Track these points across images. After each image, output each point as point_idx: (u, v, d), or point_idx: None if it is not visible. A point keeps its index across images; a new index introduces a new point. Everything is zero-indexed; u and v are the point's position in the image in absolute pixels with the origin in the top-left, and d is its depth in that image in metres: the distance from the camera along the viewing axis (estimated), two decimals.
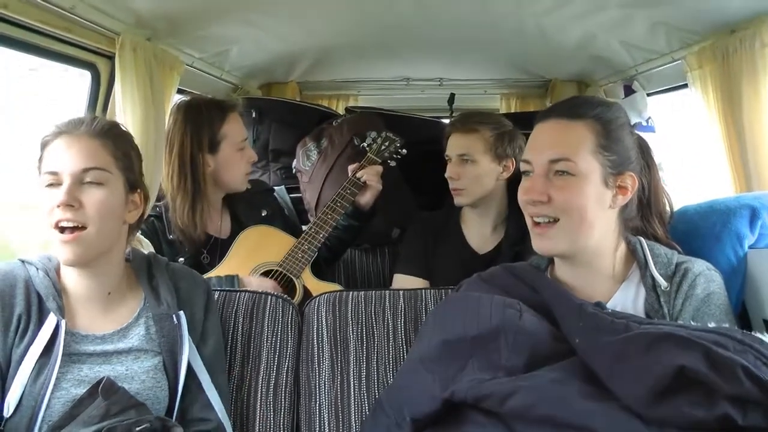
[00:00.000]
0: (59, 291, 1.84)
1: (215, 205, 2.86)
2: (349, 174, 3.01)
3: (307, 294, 2.68)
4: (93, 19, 2.69)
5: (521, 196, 1.89)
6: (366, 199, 2.99)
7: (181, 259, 2.68)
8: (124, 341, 1.87)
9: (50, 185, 1.77)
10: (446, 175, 2.91)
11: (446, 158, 2.95)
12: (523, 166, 1.92)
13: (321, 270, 2.95)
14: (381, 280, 3.49)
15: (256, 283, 2.63)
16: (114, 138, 1.88)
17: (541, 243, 1.86)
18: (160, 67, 3.14)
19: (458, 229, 3.03)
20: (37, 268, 1.85)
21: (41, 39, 2.60)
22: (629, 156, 1.86)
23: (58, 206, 1.74)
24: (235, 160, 2.80)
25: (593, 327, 1.61)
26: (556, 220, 1.82)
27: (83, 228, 1.77)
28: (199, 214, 2.71)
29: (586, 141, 1.81)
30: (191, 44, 3.60)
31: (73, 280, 1.88)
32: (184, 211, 2.71)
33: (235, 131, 2.80)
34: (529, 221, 1.89)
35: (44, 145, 1.82)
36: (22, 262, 1.88)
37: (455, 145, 2.91)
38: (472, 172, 2.86)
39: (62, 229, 1.75)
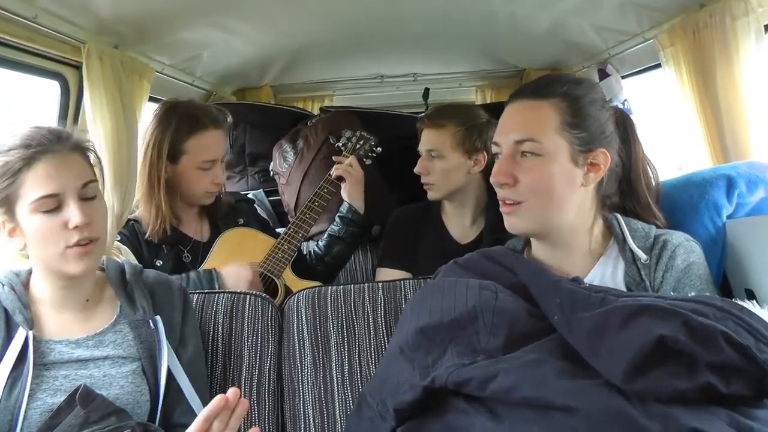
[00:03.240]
0: (26, 304, 1.82)
1: (186, 210, 2.83)
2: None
3: (288, 293, 2.66)
4: (56, 27, 2.66)
5: (491, 179, 1.89)
6: (349, 191, 3.01)
7: (160, 262, 2.67)
8: (100, 348, 1.84)
9: (48, 211, 1.73)
10: (415, 170, 2.91)
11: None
12: (493, 149, 1.93)
13: (302, 269, 2.94)
14: (365, 278, 3.49)
15: (234, 271, 2.60)
16: (87, 149, 1.87)
17: (510, 221, 1.88)
18: (128, 76, 3.11)
19: (439, 221, 3.03)
20: (3, 285, 1.83)
21: (5, 50, 2.57)
22: (602, 132, 1.85)
23: (75, 228, 1.73)
24: (193, 177, 2.73)
25: (570, 303, 1.59)
26: (520, 202, 1.82)
27: (97, 239, 1.79)
28: (156, 211, 2.68)
29: (550, 120, 1.81)
30: (160, 50, 3.57)
31: (50, 289, 1.86)
32: (143, 208, 2.72)
33: (199, 150, 2.71)
34: (500, 203, 1.89)
35: (24, 167, 1.72)
36: None
37: (425, 141, 2.92)
38: (441, 167, 2.87)
39: (77, 245, 1.75)
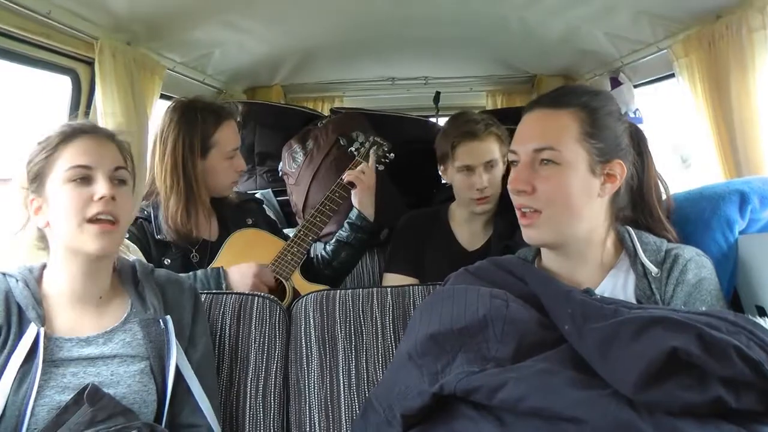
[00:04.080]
0: (39, 300, 1.82)
1: (205, 208, 2.83)
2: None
3: (296, 296, 2.66)
4: (70, 23, 2.68)
5: (508, 186, 1.88)
6: (360, 198, 2.99)
7: (168, 260, 2.66)
8: (109, 346, 1.84)
9: (79, 179, 1.78)
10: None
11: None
12: (510, 156, 1.93)
13: (311, 272, 2.93)
14: (372, 282, 3.48)
15: (241, 270, 2.60)
16: (123, 143, 1.94)
17: (528, 233, 1.86)
18: (141, 72, 3.12)
19: (447, 227, 3.03)
20: (17, 280, 1.84)
21: (19, 45, 2.59)
22: (618, 144, 1.85)
23: (99, 199, 1.77)
24: (222, 168, 2.76)
25: (582, 313, 1.58)
26: (539, 211, 1.81)
27: (117, 222, 1.81)
28: (194, 215, 2.69)
29: (570, 129, 1.80)
30: (172, 48, 3.58)
31: (66, 280, 1.86)
32: (178, 212, 2.67)
33: (227, 139, 2.76)
34: (517, 211, 1.88)
35: (61, 142, 1.81)
36: (3, 274, 1.87)
37: (486, 151, 2.87)
38: (497, 175, 2.88)
39: (97, 221, 1.78)
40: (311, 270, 2.98)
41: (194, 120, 2.69)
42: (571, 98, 1.85)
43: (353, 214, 3.02)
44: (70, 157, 1.79)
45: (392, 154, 3.17)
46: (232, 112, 2.82)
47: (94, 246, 1.79)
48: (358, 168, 2.99)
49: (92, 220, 1.77)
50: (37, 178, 1.80)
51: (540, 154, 1.81)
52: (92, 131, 1.85)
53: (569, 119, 1.81)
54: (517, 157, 1.87)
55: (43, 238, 1.87)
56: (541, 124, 1.86)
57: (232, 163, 2.79)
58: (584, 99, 1.85)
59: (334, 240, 3.08)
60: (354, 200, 3.00)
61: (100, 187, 1.78)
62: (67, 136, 1.81)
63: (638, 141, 1.96)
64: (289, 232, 3.26)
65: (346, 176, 2.98)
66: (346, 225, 3.04)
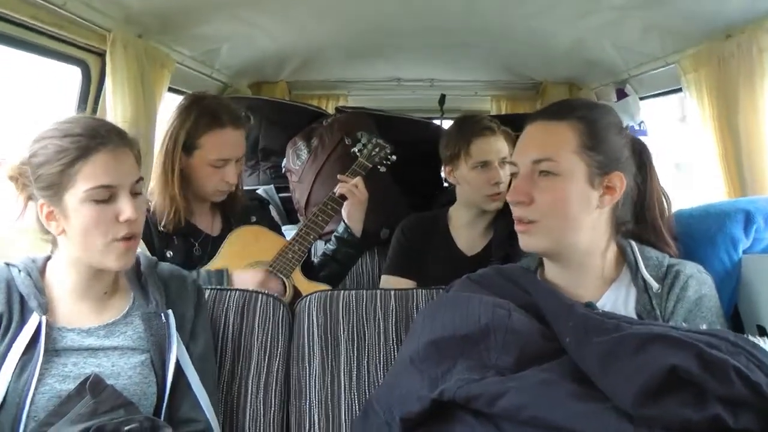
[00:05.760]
0: (41, 290, 1.83)
1: (199, 203, 2.81)
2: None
3: (297, 294, 2.66)
4: (84, 15, 2.68)
5: (507, 198, 1.89)
6: (350, 212, 2.96)
7: (170, 253, 2.66)
8: (110, 338, 1.85)
9: (100, 198, 1.76)
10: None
11: None
12: (510, 168, 1.96)
13: (312, 271, 2.94)
14: (371, 281, 3.49)
15: (245, 277, 2.61)
16: (136, 146, 1.91)
17: (524, 240, 1.87)
18: (151, 65, 3.13)
19: (447, 231, 3.04)
20: (20, 270, 1.85)
21: (32, 35, 2.60)
22: (617, 156, 1.85)
23: (125, 222, 1.77)
24: (204, 173, 2.69)
25: (583, 327, 1.60)
26: (536, 222, 1.83)
27: (137, 236, 1.83)
28: (171, 201, 2.65)
29: (568, 140, 1.82)
30: (182, 42, 3.59)
31: (73, 279, 1.87)
32: (158, 196, 2.67)
33: (213, 147, 2.66)
34: (515, 221, 1.89)
35: (81, 156, 1.74)
36: (6, 264, 1.88)
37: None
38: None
39: (121, 239, 1.78)
40: (312, 268, 2.98)
41: (189, 115, 2.65)
42: (570, 110, 1.87)
43: (341, 228, 3.01)
44: (92, 176, 1.74)
45: (394, 157, 3.17)
46: (237, 121, 2.71)
47: (118, 264, 1.81)
48: (352, 182, 2.93)
49: (118, 240, 1.78)
50: (51, 188, 1.75)
51: (539, 166, 1.82)
52: (111, 141, 1.78)
53: (568, 131, 1.83)
54: (517, 169, 1.88)
55: (47, 231, 1.84)
56: (540, 136, 1.87)
57: (217, 171, 2.69)
58: (583, 111, 1.86)
59: (321, 253, 3.09)
60: (344, 212, 2.98)
61: (126, 207, 1.76)
62: (87, 150, 1.75)
63: (640, 154, 1.97)
64: (290, 228, 3.28)
65: (339, 189, 2.95)
66: (333, 238, 3.03)
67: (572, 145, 1.81)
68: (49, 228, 1.81)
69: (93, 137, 1.76)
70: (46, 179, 1.74)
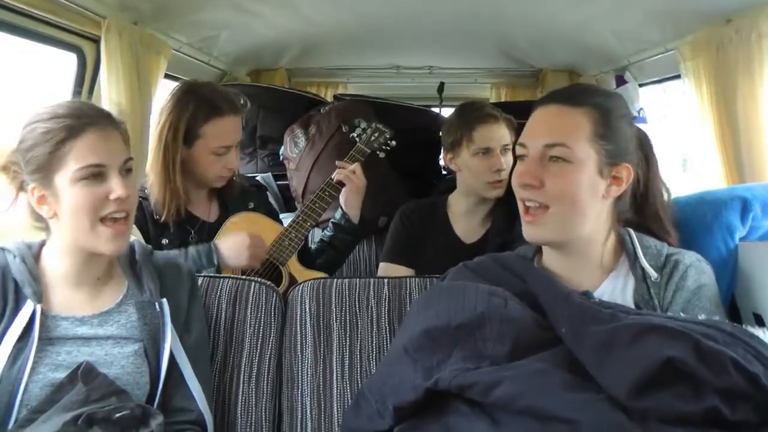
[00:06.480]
0: (36, 277, 1.82)
1: (196, 190, 2.79)
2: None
3: (293, 282, 2.66)
4: (78, 1, 2.66)
5: (514, 180, 1.87)
6: (347, 198, 2.95)
7: (166, 240, 2.65)
8: (104, 327, 1.84)
9: (91, 177, 1.75)
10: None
11: None
12: (518, 150, 1.90)
13: (307, 259, 2.93)
14: (368, 269, 3.49)
15: (233, 244, 2.59)
16: (124, 127, 1.90)
17: (531, 231, 1.84)
18: (146, 52, 3.12)
19: (445, 219, 3.03)
20: (14, 255, 1.84)
21: (27, 21, 2.59)
22: (627, 147, 1.83)
23: (115, 199, 1.76)
24: (207, 162, 2.68)
25: (580, 316, 1.58)
26: (546, 207, 1.79)
27: (128, 215, 1.82)
28: (172, 194, 2.63)
29: (583, 128, 1.79)
30: (179, 29, 3.57)
31: (66, 265, 1.86)
32: (158, 190, 2.64)
33: (215, 135, 2.66)
34: (521, 206, 1.86)
35: (68, 137, 1.74)
36: (1, 249, 1.87)
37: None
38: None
39: (111, 220, 1.78)
40: (308, 256, 2.97)
41: (187, 106, 2.62)
42: (586, 97, 1.84)
43: (338, 214, 3.00)
44: (80, 155, 1.74)
45: (393, 142, 3.14)
46: (234, 108, 2.71)
47: (110, 248, 1.80)
48: (350, 168, 2.92)
49: (105, 219, 1.77)
50: (41, 170, 1.75)
51: (550, 150, 1.79)
52: (98, 121, 1.79)
53: (583, 118, 1.80)
54: (525, 151, 1.85)
55: (40, 218, 1.84)
56: (554, 120, 1.84)
57: (220, 159, 2.69)
58: (599, 99, 1.83)
59: (318, 240, 3.08)
60: (341, 199, 2.96)
61: (116, 186, 1.76)
62: (74, 130, 1.74)
63: (644, 145, 1.95)
64: (288, 216, 3.26)
65: (336, 175, 2.93)
66: (330, 224, 3.02)
67: (586, 132, 1.79)
68: (41, 212, 1.80)
69: (79, 117, 1.76)
70: (36, 162, 1.74)
